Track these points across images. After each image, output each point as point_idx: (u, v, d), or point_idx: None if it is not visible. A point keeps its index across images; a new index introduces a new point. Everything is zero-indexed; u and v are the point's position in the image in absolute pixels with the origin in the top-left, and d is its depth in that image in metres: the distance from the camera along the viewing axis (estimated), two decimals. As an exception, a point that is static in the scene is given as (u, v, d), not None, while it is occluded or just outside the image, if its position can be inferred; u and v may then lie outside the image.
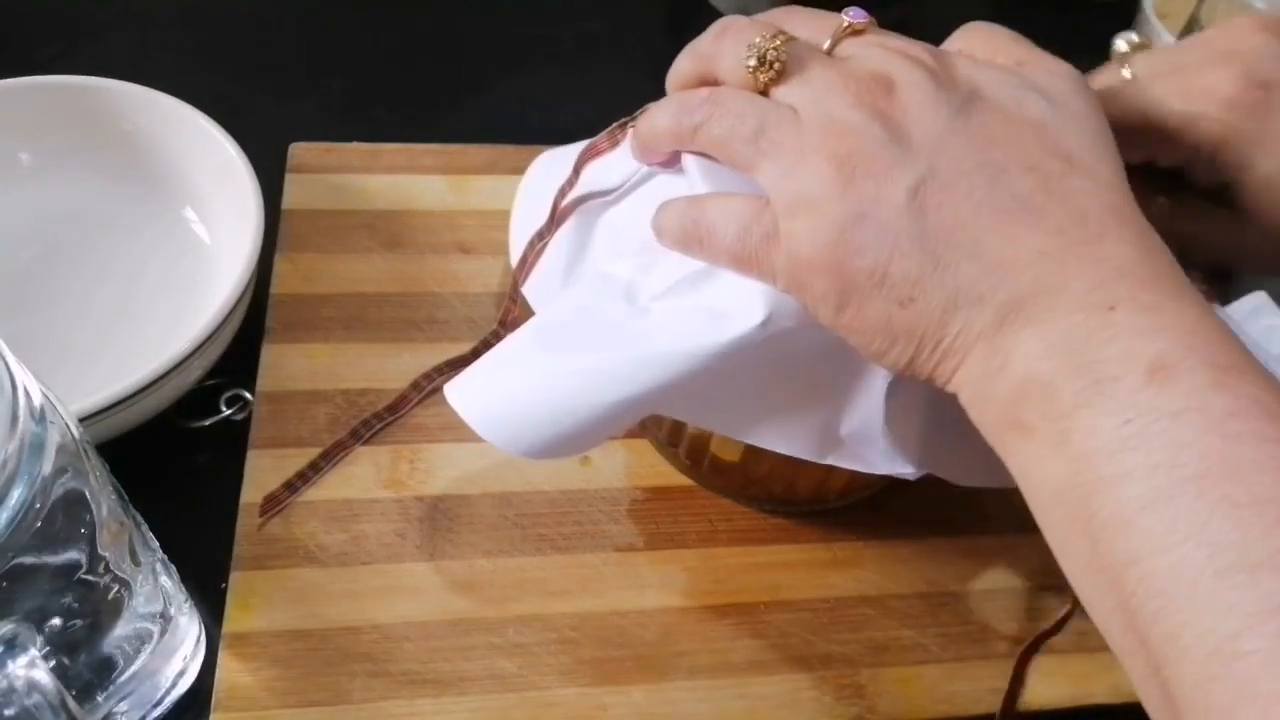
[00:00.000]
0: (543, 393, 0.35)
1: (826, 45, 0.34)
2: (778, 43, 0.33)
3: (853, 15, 0.34)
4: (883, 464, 0.38)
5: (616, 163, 0.40)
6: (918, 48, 0.33)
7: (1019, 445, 0.29)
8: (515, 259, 0.43)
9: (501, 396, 0.36)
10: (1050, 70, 0.34)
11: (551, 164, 0.45)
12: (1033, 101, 0.32)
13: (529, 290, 0.42)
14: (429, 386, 0.47)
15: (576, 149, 0.43)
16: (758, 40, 0.33)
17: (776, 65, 0.33)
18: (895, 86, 0.31)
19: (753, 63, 0.33)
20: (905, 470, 0.38)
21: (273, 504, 0.43)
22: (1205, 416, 0.25)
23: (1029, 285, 0.29)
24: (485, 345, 0.46)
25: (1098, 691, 0.43)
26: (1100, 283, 0.28)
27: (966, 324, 0.30)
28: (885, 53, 0.33)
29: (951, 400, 0.32)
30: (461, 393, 0.37)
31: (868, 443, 0.38)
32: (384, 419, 0.46)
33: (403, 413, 0.47)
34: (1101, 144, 0.32)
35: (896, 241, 0.30)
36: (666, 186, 0.37)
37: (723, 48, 0.35)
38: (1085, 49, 0.72)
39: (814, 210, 0.31)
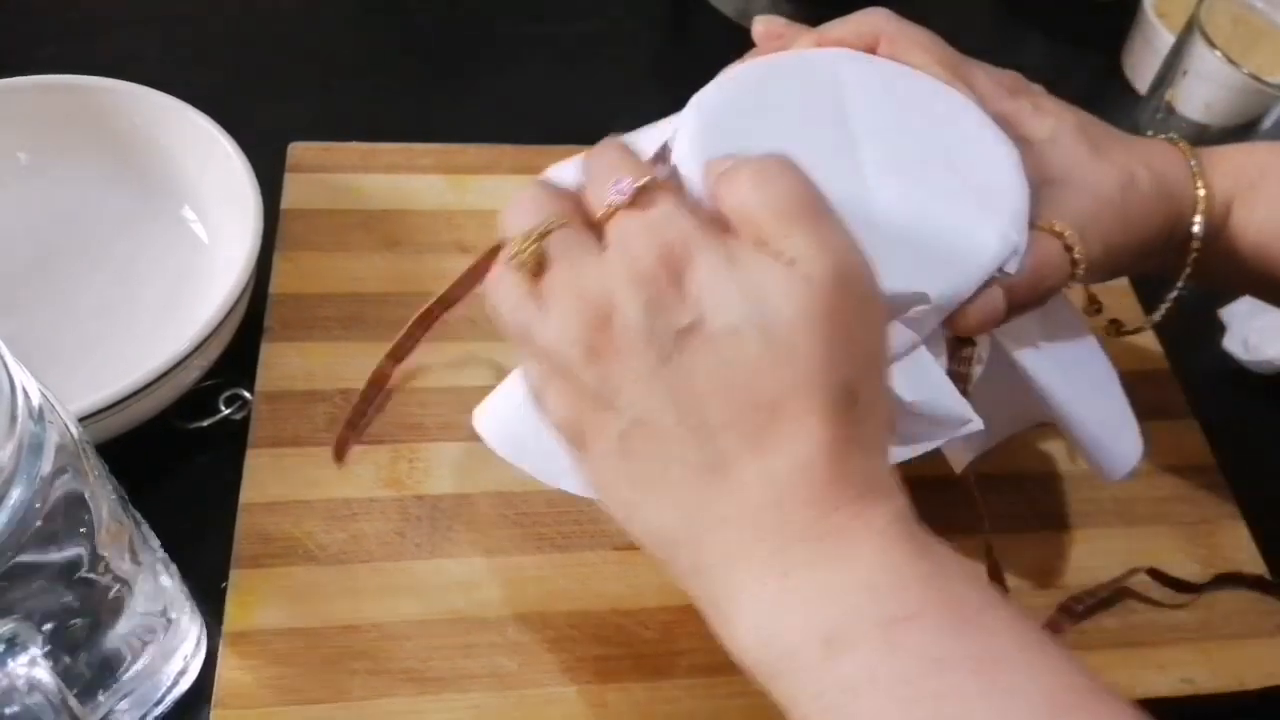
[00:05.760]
0: None
1: (600, 216, 0.32)
2: (531, 245, 0.31)
3: (614, 193, 0.31)
4: (954, 422, 0.37)
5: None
6: (660, 247, 0.30)
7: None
8: None
9: (530, 424, 0.35)
10: (815, 246, 0.29)
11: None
12: (751, 334, 0.29)
13: None
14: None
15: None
16: (520, 235, 0.32)
17: (529, 265, 0.32)
18: (611, 320, 0.30)
19: (514, 264, 0.32)
20: (974, 423, 0.37)
21: (343, 446, 0.46)
22: (878, 687, 0.27)
23: (720, 550, 0.29)
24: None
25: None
26: (780, 548, 0.29)
27: (677, 568, 0.31)
28: (620, 262, 0.30)
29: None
30: (488, 420, 0.37)
31: (935, 407, 0.36)
32: (415, 337, 0.46)
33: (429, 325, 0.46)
34: (825, 366, 0.29)
35: (615, 481, 0.31)
36: None
37: (506, 219, 0.33)
38: (1086, 49, 0.73)
39: (575, 436, 0.32)
